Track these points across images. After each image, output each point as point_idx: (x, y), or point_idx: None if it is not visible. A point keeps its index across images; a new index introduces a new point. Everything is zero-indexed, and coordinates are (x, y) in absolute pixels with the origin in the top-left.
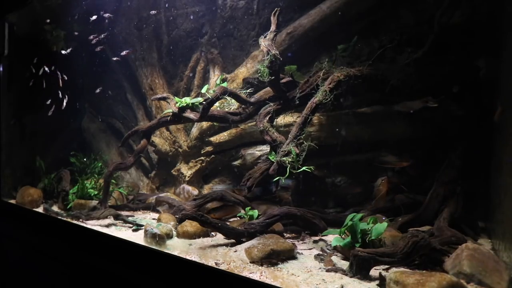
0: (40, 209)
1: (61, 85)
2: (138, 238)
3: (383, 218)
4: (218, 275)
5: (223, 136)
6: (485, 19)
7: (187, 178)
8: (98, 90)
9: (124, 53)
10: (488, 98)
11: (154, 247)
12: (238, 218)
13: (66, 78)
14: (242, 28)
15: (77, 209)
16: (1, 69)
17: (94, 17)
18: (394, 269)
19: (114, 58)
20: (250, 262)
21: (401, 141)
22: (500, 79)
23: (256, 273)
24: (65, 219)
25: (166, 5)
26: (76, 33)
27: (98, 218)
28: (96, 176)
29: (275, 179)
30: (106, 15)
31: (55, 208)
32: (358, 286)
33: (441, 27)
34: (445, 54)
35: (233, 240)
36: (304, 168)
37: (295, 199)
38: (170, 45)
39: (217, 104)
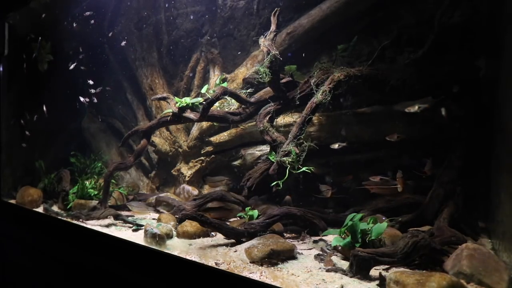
0: (40, 209)
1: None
2: (138, 238)
3: (383, 218)
4: (218, 275)
5: (223, 136)
6: (485, 19)
7: (187, 178)
8: (97, 90)
9: (123, 43)
10: (488, 98)
11: (154, 247)
12: (238, 218)
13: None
14: (242, 28)
15: (77, 209)
16: (1, 69)
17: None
18: (394, 269)
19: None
20: (250, 262)
21: (401, 141)
22: (500, 79)
23: (256, 273)
24: (65, 219)
25: (166, 5)
26: (75, 25)
27: (98, 218)
28: (96, 176)
29: (272, 184)
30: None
31: (55, 208)
32: (358, 286)
33: (441, 27)
34: (445, 54)
35: (233, 240)
36: (303, 168)
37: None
38: (170, 45)
39: (217, 104)
